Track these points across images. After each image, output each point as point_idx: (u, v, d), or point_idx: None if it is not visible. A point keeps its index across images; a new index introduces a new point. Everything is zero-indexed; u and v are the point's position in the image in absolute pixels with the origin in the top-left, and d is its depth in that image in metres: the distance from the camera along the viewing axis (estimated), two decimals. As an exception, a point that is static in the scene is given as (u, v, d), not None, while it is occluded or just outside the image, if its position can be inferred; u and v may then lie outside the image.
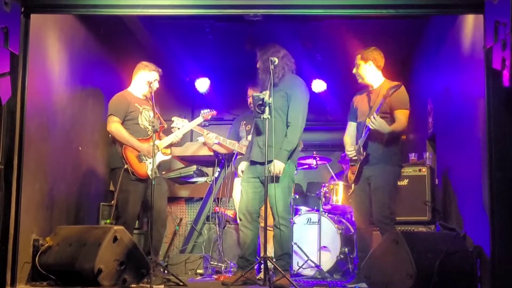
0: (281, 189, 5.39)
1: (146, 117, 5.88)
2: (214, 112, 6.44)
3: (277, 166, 5.33)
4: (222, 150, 6.76)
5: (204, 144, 6.85)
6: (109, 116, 5.75)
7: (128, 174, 5.67)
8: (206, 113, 6.38)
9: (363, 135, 5.53)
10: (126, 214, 5.68)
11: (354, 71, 5.76)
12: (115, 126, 5.71)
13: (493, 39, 4.31)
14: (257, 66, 5.61)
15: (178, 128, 6.15)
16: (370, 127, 5.36)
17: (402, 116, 5.49)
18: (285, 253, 5.40)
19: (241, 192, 5.62)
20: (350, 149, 5.65)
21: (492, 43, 4.33)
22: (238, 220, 5.88)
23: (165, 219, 6.04)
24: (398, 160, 5.67)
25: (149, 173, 5.69)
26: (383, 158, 5.51)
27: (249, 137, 6.42)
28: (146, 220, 6.00)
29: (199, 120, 6.32)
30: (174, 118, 6.23)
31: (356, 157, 5.63)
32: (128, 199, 5.69)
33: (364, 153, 5.51)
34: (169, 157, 6.08)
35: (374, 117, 5.33)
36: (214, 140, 6.42)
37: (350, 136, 5.87)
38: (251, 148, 5.63)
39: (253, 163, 5.53)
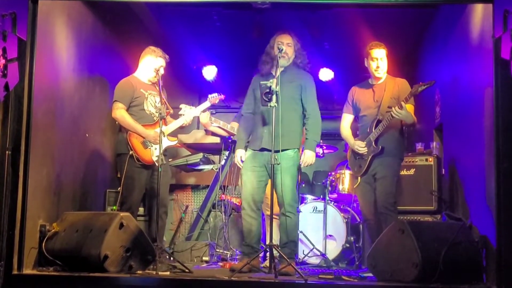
0: (291, 177, 5.42)
1: (152, 102, 5.87)
2: (222, 96, 6.40)
3: (309, 156, 5.49)
4: (222, 133, 6.74)
5: (206, 130, 6.81)
6: (114, 102, 5.76)
7: (133, 160, 5.68)
8: (214, 97, 6.34)
9: (373, 128, 5.60)
10: (131, 200, 5.70)
11: (378, 64, 5.74)
12: (120, 112, 5.71)
13: (502, 29, 4.29)
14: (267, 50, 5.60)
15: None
16: (395, 116, 5.44)
17: (411, 110, 5.62)
18: (291, 241, 5.42)
19: (244, 181, 5.59)
20: (362, 146, 5.69)
21: (501, 33, 4.31)
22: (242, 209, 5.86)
23: (167, 207, 6.05)
24: (403, 153, 5.89)
25: (155, 159, 5.71)
26: (392, 151, 5.61)
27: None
28: (147, 207, 6.02)
29: (206, 104, 6.30)
30: (182, 106, 6.22)
31: (366, 152, 5.67)
32: (134, 185, 5.70)
33: (380, 147, 5.56)
34: (175, 142, 6.07)
35: (400, 107, 5.38)
36: (207, 120, 6.40)
37: (347, 129, 5.94)
38: (255, 136, 5.62)
39: (263, 150, 5.49)
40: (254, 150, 5.57)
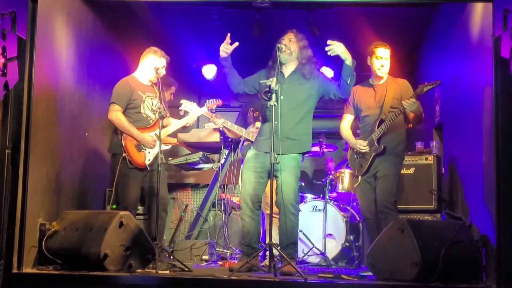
0: (294, 177, 5.39)
1: (149, 105, 5.85)
2: (219, 102, 6.43)
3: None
4: (229, 134, 6.76)
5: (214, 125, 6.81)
6: (111, 104, 5.72)
7: (126, 162, 5.67)
8: (211, 103, 6.37)
9: (376, 128, 5.60)
10: (127, 199, 5.68)
11: (382, 63, 5.74)
12: (116, 115, 5.68)
13: (502, 28, 4.29)
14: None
15: (186, 111, 6.17)
16: (406, 108, 5.44)
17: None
18: (291, 243, 5.40)
19: (243, 180, 5.55)
20: (364, 145, 5.69)
21: (501, 32, 4.31)
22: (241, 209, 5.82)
23: (166, 205, 6.04)
24: (404, 152, 5.88)
25: (147, 163, 5.73)
26: (394, 150, 5.63)
27: (257, 124, 6.41)
28: (146, 206, 6.02)
29: (203, 110, 6.31)
30: (183, 101, 6.23)
31: (368, 151, 5.67)
32: (128, 184, 5.69)
33: (383, 146, 5.56)
34: (169, 146, 6.11)
35: (412, 100, 5.39)
36: (220, 125, 6.43)
37: (347, 129, 5.94)
38: (259, 137, 5.59)
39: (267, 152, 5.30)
40: (259, 151, 5.52)
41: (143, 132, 5.75)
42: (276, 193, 5.40)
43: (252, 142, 6.26)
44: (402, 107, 5.49)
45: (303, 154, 5.50)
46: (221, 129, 6.67)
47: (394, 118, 5.50)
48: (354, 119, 6.00)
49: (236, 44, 5.43)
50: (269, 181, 5.30)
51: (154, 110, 5.83)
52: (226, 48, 5.50)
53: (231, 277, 4.63)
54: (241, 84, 5.70)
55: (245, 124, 6.67)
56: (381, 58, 5.72)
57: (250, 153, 5.58)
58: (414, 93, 5.43)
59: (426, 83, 5.38)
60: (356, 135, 5.94)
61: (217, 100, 6.37)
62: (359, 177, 5.82)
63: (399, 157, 5.73)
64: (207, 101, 6.40)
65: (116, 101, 5.71)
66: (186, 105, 6.19)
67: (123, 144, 5.65)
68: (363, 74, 6.06)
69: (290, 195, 5.31)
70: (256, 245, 5.46)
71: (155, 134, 5.70)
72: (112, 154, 5.84)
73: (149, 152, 5.74)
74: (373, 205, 5.67)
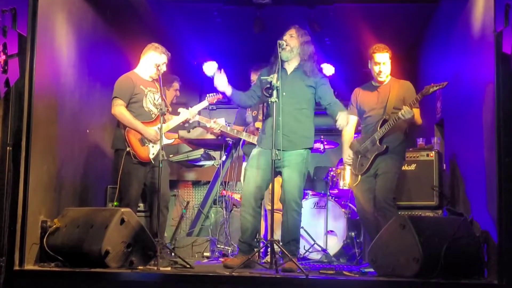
0: (299, 174, 5.34)
1: (151, 100, 5.85)
2: (220, 96, 6.43)
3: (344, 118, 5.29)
4: (228, 135, 6.75)
5: (208, 130, 6.82)
6: (113, 99, 5.72)
7: (130, 157, 5.67)
8: (212, 97, 6.41)
9: (378, 128, 5.62)
10: (129, 195, 5.69)
11: (381, 69, 5.73)
12: (119, 109, 5.68)
13: (504, 23, 4.28)
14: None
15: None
16: (401, 117, 5.41)
17: (417, 113, 5.62)
18: (293, 239, 5.38)
19: (246, 178, 5.49)
20: (349, 158, 5.83)
21: (503, 27, 4.30)
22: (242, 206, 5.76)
23: (168, 202, 6.04)
24: (405, 152, 5.89)
25: (151, 157, 5.72)
26: (396, 150, 5.64)
27: (257, 124, 6.40)
28: (148, 202, 6.02)
29: (204, 103, 6.32)
30: (180, 110, 6.22)
31: (350, 164, 5.83)
32: (131, 181, 5.69)
33: (385, 146, 5.55)
34: (172, 140, 6.09)
35: (406, 108, 5.39)
36: (217, 130, 6.45)
37: (350, 132, 5.93)
38: (263, 135, 5.57)
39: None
40: (263, 148, 5.46)
41: (146, 126, 5.74)
42: (281, 189, 5.37)
43: (253, 144, 6.25)
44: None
45: (309, 149, 5.47)
46: (217, 132, 6.66)
47: (397, 118, 5.48)
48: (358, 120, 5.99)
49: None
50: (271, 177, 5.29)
51: (156, 104, 5.83)
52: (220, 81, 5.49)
53: (233, 273, 4.63)
54: (247, 98, 5.68)
55: (243, 123, 6.66)
56: (379, 64, 5.71)
57: (255, 151, 5.53)
58: (420, 93, 5.41)
59: (432, 84, 5.36)
60: (357, 132, 5.95)
61: (217, 94, 6.39)
62: (359, 176, 5.80)
63: (401, 156, 5.73)
64: (208, 95, 6.41)
65: (119, 95, 5.71)
66: (184, 113, 6.18)
67: (127, 139, 5.65)
68: (364, 71, 6.05)
69: (293, 192, 5.28)
70: (254, 242, 5.43)
71: (158, 128, 5.68)
72: (115, 150, 5.84)
73: (152, 146, 5.74)
74: (370, 205, 5.66)
